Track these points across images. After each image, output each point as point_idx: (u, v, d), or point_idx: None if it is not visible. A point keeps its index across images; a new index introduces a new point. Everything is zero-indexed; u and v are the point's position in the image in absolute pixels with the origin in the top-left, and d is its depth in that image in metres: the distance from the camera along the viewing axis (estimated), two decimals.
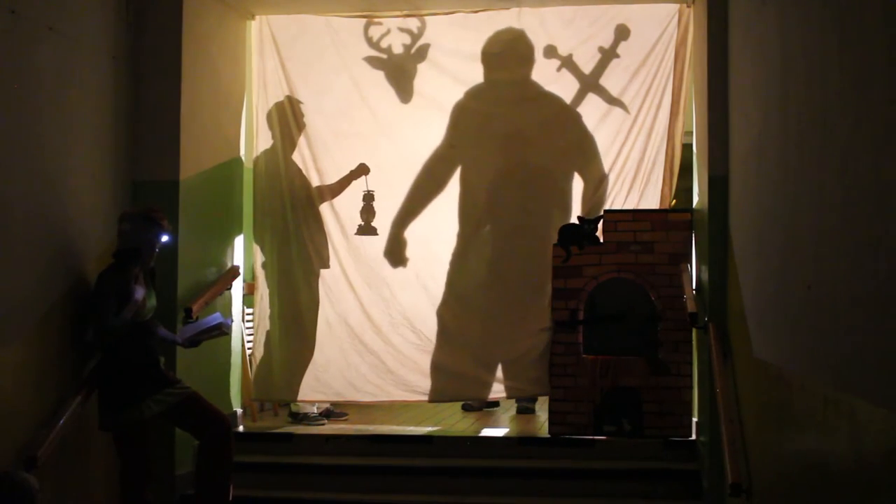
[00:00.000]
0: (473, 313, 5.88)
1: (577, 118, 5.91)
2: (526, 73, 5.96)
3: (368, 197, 5.96)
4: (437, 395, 5.92)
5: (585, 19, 5.91)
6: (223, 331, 4.82)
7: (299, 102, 6.01)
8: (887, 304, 2.33)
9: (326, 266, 5.97)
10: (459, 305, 5.91)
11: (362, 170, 5.98)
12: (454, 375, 5.86)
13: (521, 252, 5.86)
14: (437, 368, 5.87)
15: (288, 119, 5.98)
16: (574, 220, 5.74)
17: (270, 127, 5.99)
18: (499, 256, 5.89)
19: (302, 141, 6.01)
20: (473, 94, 5.99)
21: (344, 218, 6.02)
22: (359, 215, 5.96)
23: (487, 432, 5.73)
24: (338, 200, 6.03)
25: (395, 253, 6.00)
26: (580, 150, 5.90)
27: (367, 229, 5.97)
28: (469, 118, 5.99)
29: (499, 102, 5.98)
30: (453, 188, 6.00)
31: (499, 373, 5.83)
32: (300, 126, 6.00)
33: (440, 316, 5.90)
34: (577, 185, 5.94)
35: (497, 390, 5.86)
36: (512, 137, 5.92)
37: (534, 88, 5.95)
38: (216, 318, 4.83)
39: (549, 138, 5.93)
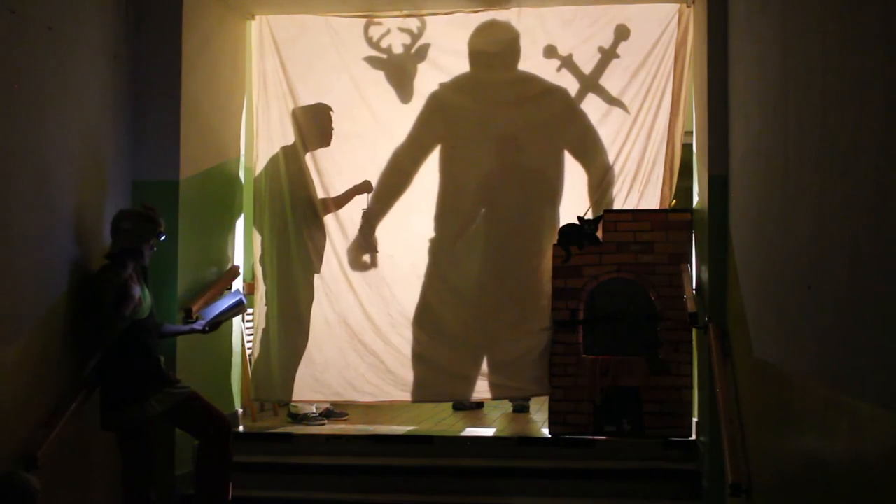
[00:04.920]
0: (469, 313, 5.86)
1: (582, 115, 5.90)
2: (516, 69, 5.94)
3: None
4: (426, 396, 5.93)
5: (585, 19, 5.91)
6: (243, 305, 5.06)
7: (330, 109, 5.96)
8: (888, 304, 2.33)
9: (319, 269, 5.95)
10: (456, 305, 5.90)
11: (365, 187, 5.98)
12: (447, 375, 5.85)
13: (516, 251, 5.84)
14: (432, 368, 5.87)
15: (311, 123, 5.95)
16: (557, 211, 5.77)
17: (295, 127, 5.94)
18: (494, 255, 5.88)
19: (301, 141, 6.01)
20: (458, 88, 5.96)
21: (344, 218, 6.00)
22: (358, 231, 5.95)
23: (480, 431, 5.72)
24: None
25: (359, 255, 5.97)
26: (581, 144, 5.90)
27: (367, 247, 5.97)
28: (455, 114, 5.97)
29: (488, 100, 5.96)
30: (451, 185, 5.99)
31: (492, 372, 5.82)
32: (328, 134, 5.95)
33: (439, 316, 5.90)
34: (574, 179, 5.93)
35: (491, 390, 5.85)
36: (506, 137, 5.92)
37: (534, 85, 5.94)
38: (235, 294, 4.99)
39: (546, 136, 5.93)
